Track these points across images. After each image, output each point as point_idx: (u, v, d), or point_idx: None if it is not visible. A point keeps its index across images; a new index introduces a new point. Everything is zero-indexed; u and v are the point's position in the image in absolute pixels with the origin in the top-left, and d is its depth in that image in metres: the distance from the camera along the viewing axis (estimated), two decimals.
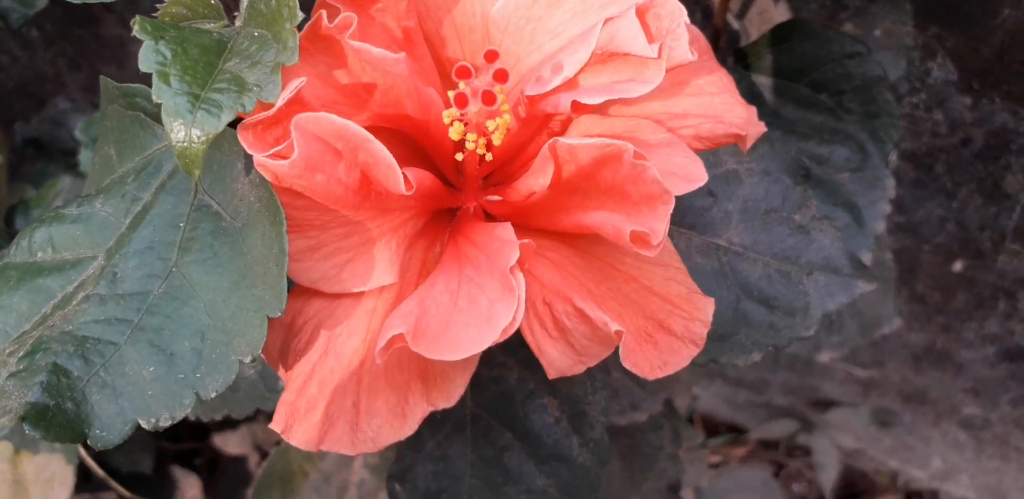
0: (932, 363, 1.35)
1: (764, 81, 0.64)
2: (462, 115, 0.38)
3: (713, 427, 1.54)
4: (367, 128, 0.35)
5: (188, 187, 0.37)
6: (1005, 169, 1.01)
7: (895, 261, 1.16)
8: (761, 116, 0.51)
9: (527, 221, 0.42)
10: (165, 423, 0.33)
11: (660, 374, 0.37)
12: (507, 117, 0.38)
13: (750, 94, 0.65)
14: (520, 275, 0.34)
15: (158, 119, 0.37)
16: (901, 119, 0.96)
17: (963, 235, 1.12)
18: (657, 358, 0.37)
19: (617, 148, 0.35)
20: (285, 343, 0.39)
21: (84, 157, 1.06)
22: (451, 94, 0.37)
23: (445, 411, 0.38)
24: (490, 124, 0.38)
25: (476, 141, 0.38)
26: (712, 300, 0.38)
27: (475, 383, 0.57)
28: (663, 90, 0.43)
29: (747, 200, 0.52)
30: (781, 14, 0.77)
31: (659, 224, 0.34)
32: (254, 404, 0.55)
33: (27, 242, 0.38)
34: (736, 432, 1.52)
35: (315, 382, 0.37)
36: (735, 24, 0.82)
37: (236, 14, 0.39)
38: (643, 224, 0.34)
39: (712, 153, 0.53)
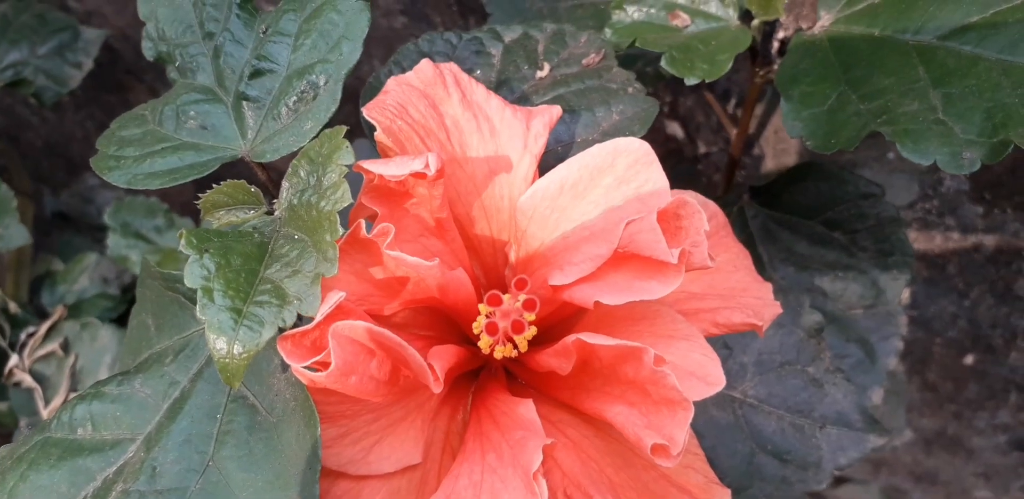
0: (943, 447, 1.35)
1: (779, 218, 0.66)
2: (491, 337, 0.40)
3: None
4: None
5: None
6: (1017, 274, 1.02)
7: (905, 351, 1.16)
8: (776, 252, 0.53)
9: (549, 390, 0.43)
10: None
11: None
12: (533, 329, 0.39)
13: (765, 230, 0.66)
14: (543, 482, 0.35)
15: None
16: (912, 224, 0.98)
17: (975, 331, 1.13)
18: None
19: (639, 351, 0.36)
20: None
21: (112, 242, 1.08)
22: (482, 322, 0.39)
23: None
24: (517, 339, 0.39)
25: (503, 350, 0.40)
26: (728, 491, 0.40)
27: None
28: None
29: (762, 353, 0.54)
30: None
31: (679, 432, 0.35)
32: None
33: (68, 417, 0.40)
34: None
35: None
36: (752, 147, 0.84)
37: (275, 202, 0.41)
38: (662, 431, 0.35)
39: None
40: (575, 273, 0.40)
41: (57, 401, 1.01)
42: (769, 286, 0.45)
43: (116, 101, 1.32)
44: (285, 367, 0.37)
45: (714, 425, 0.52)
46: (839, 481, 1.47)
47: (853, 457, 0.53)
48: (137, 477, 0.36)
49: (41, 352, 0.91)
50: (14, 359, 0.92)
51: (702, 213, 0.39)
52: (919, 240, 1.02)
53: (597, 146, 0.41)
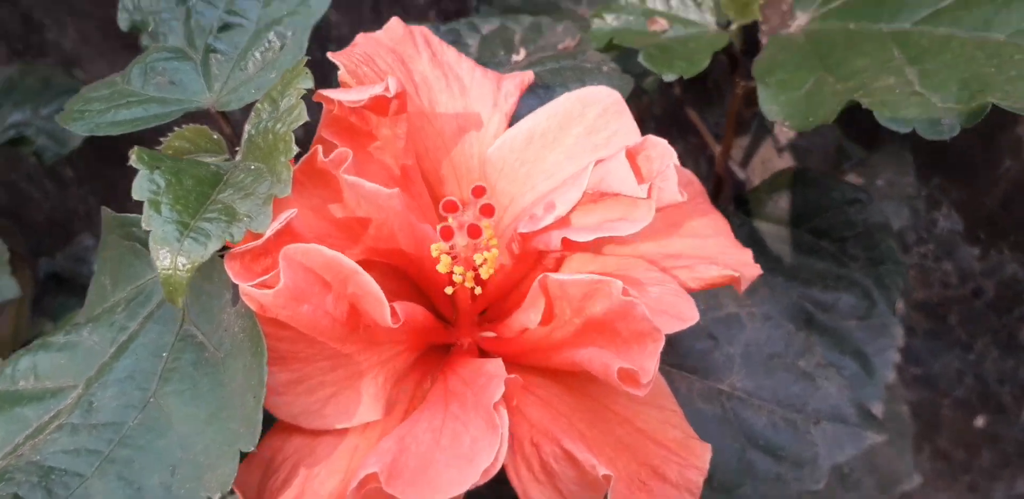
0: None
1: (765, 227, 0.64)
2: (450, 249, 0.38)
3: None
4: (360, 262, 0.35)
5: (175, 317, 0.37)
6: (1020, 320, 1.00)
7: (912, 415, 1.12)
8: (763, 262, 0.51)
9: (521, 358, 0.41)
10: None
11: None
12: (494, 251, 0.38)
13: (751, 240, 0.65)
14: (504, 412, 0.33)
15: None
16: (910, 269, 0.96)
17: (983, 389, 1.09)
18: None
19: (606, 284, 0.35)
20: (263, 482, 0.37)
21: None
22: (438, 227, 0.37)
23: None
24: (477, 257, 0.38)
25: (464, 274, 0.38)
26: (709, 446, 0.37)
27: None
28: (657, 231, 0.43)
29: (749, 344, 0.51)
30: (784, 163, 0.79)
31: (648, 362, 0.33)
32: None
33: (11, 370, 0.38)
34: None
35: None
36: (740, 174, 0.83)
37: (238, 149, 0.40)
38: (632, 362, 0.33)
39: (712, 296, 0.53)
40: (546, 219, 0.38)
41: None
42: (749, 252, 0.44)
43: (118, 176, 1.33)
44: (236, 300, 0.35)
45: (701, 418, 0.49)
46: None
47: (850, 454, 0.50)
48: (72, 411, 0.34)
49: None
50: None
51: (671, 150, 0.38)
52: (918, 289, 1.01)
53: (565, 95, 0.41)
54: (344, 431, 0.38)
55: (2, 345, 1.03)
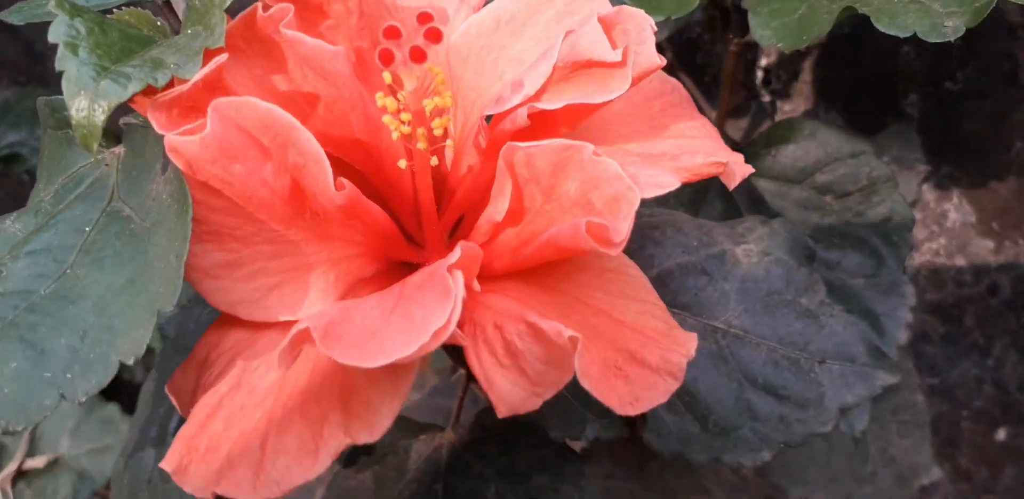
0: None
1: (764, 184, 0.61)
2: (399, 108, 0.34)
3: None
4: None
5: (104, 195, 0.33)
6: None
7: (932, 431, 1.07)
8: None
9: (492, 270, 0.38)
10: (16, 427, 0.27)
11: (633, 410, 0.30)
12: (448, 98, 0.34)
13: (750, 199, 0.61)
14: (459, 274, 0.29)
15: None
16: (921, 268, 0.92)
17: (1003, 397, 1.04)
18: (628, 393, 0.30)
19: (576, 149, 0.31)
20: (197, 381, 0.33)
21: None
22: (376, 51, 0.34)
23: None
24: (427, 103, 0.34)
25: (413, 129, 0.34)
26: (695, 335, 0.33)
27: (448, 495, 0.50)
28: (640, 131, 0.40)
29: (745, 280, 0.47)
30: None
31: (622, 222, 0.29)
32: (184, 496, 0.47)
33: None
34: None
35: (221, 417, 0.31)
36: None
37: None
38: (604, 222, 0.29)
39: (705, 233, 0.49)
40: (513, 100, 0.35)
41: (12, 466, 0.94)
42: (740, 155, 0.40)
43: None
44: (165, 167, 0.31)
45: (695, 356, 0.45)
46: None
47: (861, 395, 0.45)
48: None
49: None
50: None
51: (649, 19, 0.35)
52: (930, 289, 0.96)
53: None
54: (287, 325, 0.34)
55: None
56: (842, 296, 0.58)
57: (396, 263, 0.40)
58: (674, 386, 0.31)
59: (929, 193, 0.85)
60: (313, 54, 0.32)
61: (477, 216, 0.41)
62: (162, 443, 0.47)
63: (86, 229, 0.32)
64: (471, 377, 0.57)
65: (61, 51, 0.29)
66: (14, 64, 1.28)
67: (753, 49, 0.79)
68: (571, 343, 0.28)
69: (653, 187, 0.31)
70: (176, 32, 0.39)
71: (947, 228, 0.92)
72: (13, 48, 1.29)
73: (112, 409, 0.94)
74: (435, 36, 0.33)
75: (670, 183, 0.32)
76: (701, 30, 0.80)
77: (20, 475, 0.95)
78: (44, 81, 1.25)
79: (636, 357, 0.31)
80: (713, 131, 0.41)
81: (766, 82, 0.86)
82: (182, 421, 0.49)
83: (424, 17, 0.33)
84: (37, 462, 0.95)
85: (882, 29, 0.43)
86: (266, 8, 0.32)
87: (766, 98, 0.86)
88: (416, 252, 0.41)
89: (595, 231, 0.29)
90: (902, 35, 0.43)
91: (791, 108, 0.85)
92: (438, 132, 0.35)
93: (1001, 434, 1.06)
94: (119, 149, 0.35)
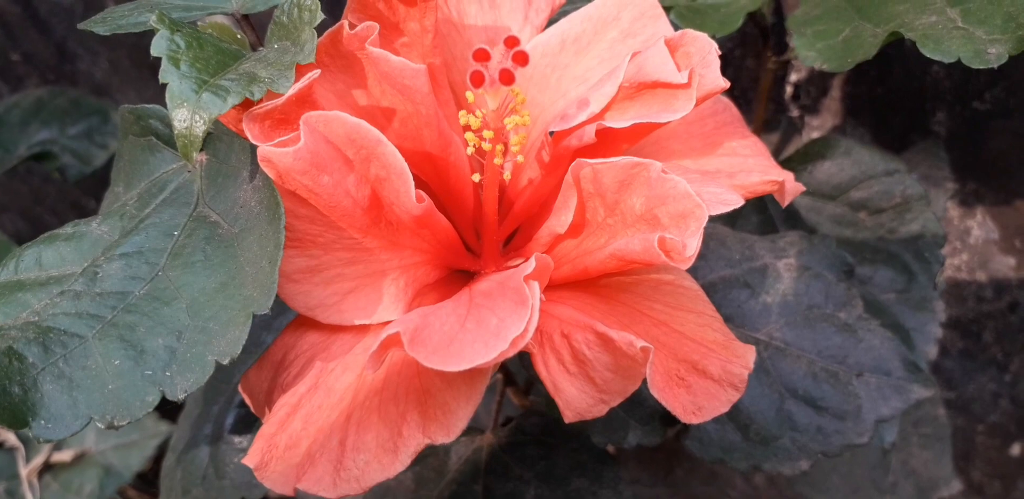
0: None
1: (799, 199, 0.62)
2: (480, 126, 0.36)
3: None
4: None
5: (190, 200, 0.35)
6: None
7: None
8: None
9: (551, 280, 0.39)
10: (121, 422, 0.29)
11: (696, 419, 0.32)
12: (527, 117, 0.36)
13: (785, 213, 0.63)
14: (535, 285, 0.31)
15: (168, 142, 0.36)
16: (943, 283, 0.93)
17: (1019, 413, 1.05)
18: (691, 402, 0.32)
19: (644, 167, 0.33)
20: (273, 381, 0.35)
21: None
22: (467, 73, 0.36)
23: None
24: (507, 122, 0.36)
25: (493, 146, 0.36)
26: (753, 348, 0.34)
27: (488, 496, 0.51)
28: (695, 149, 0.42)
29: (786, 294, 0.49)
30: None
31: (691, 238, 0.31)
32: (239, 492, 0.49)
33: (14, 263, 0.36)
34: None
35: (300, 416, 0.33)
36: None
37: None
38: (674, 237, 0.31)
39: (747, 247, 0.51)
40: (579, 117, 0.36)
41: (39, 459, 0.95)
42: (791, 174, 0.42)
43: None
44: (253, 175, 0.33)
45: None
46: None
47: (897, 407, 0.47)
48: (76, 280, 0.32)
49: None
50: None
51: (712, 43, 0.36)
52: (951, 305, 0.97)
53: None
54: (362, 329, 0.35)
55: None
56: (873, 311, 0.59)
57: (454, 271, 0.42)
58: (735, 397, 0.32)
59: (953, 210, 0.86)
60: (396, 72, 0.34)
61: (532, 227, 0.43)
62: (218, 440, 0.49)
63: (174, 233, 0.33)
64: (508, 382, 0.58)
65: (164, 64, 0.31)
66: (45, 63, 1.30)
67: (784, 65, 0.81)
68: (643, 353, 0.29)
69: (718, 204, 0.33)
70: (254, 45, 0.41)
71: (970, 244, 0.93)
72: (44, 47, 1.30)
73: None
74: (523, 59, 0.35)
75: (734, 201, 0.33)
76: (732, 45, 0.81)
77: (47, 468, 0.96)
78: (74, 80, 1.26)
79: (698, 368, 0.33)
80: (764, 149, 0.43)
81: (795, 97, 0.88)
82: (239, 417, 0.50)
83: (511, 41, 0.35)
84: (64, 456, 0.96)
85: (927, 54, 0.45)
86: (352, 26, 0.34)
87: (794, 113, 0.87)
88: (473, 260, 0.43)
89: (667, 246, 0.31)
90: (946, 61, 0.44)
91: (819, 123, 0.87)
92: (515, 149, 0.36)
93: (1016, 449, 1.07)
94: (202, 156, 0.36)
